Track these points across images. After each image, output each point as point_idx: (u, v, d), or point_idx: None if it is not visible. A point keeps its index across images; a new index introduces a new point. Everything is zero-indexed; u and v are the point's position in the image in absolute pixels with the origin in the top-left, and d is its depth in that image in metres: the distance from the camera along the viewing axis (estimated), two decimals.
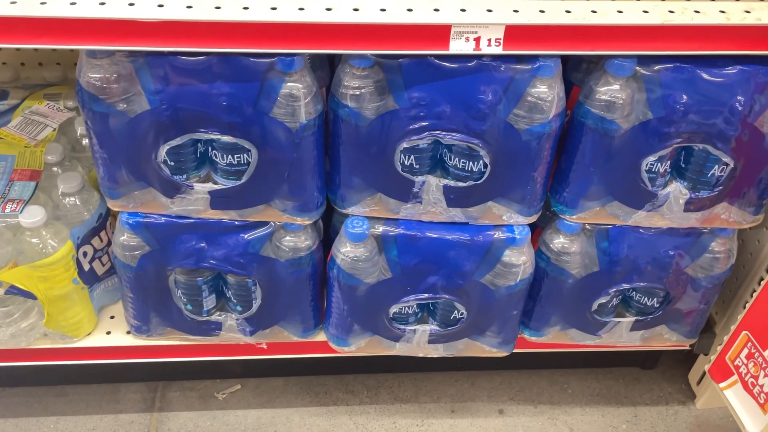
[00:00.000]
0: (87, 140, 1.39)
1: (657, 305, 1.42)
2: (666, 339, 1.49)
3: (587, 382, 1.69)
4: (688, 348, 1.55)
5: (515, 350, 1.47)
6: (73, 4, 0.97)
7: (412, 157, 1.17)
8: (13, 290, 1.26)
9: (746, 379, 1.38)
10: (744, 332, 1.38)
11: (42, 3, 0.97)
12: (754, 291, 1.41)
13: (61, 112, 1.43)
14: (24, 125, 1.38)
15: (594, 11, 1.04)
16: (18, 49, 1.62)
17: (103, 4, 0.98)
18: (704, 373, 1.55)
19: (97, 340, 1.42)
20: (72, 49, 1.00)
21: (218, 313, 1.39)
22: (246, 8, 1.00)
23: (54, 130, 1.38)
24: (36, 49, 1.63)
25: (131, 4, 0.98)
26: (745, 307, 1.39)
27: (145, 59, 1.05)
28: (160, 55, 1.04)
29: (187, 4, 1.00)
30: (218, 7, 0.99)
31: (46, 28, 0.97)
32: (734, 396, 1.41)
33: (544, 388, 1.68)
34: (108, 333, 1.43)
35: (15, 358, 1.40)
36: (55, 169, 1.32)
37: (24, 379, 1.57)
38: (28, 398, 1.58)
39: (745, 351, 1.37)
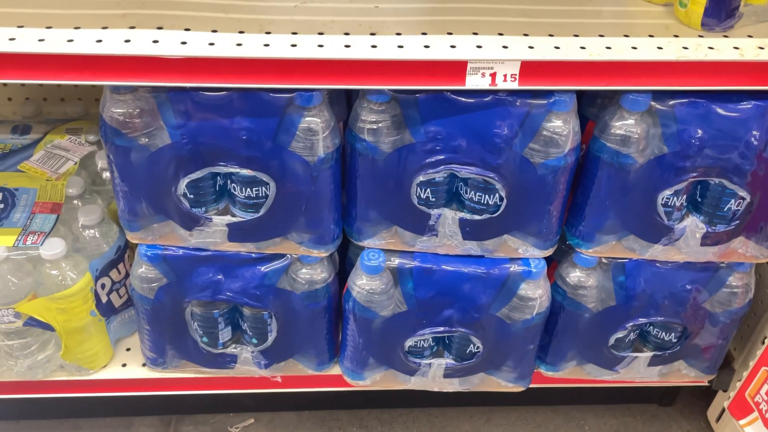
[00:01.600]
0: (107, 174, 1.42)
1: (675, 340, 1.41)
2: (684, 375, 1.48)
3: (604, 419, 1.67)
4: (706, 384, 1.53)
5: (531, 385, 1.46)
6: (99, 41, 1.00)
7: (428, 190, 1.18)
8: (32, 322, 1.27)
9: (767, 416, 1.35)
10: (763, 368, 1.36)
11: (69, 41, 1.00)
12: None
13: (82, 146, 1.45)
14: (46, 159, 1.41)
15: (608, 47, 1.06)
16: (41, 85, 1.66)
17: (128, 41, 1.00)
18: (723, 410, 1.53)
19: (113, 372, 1.42)
20: (95, 85, 1.02)
21: (233, 345, 1.39)
22: (266, 45, 1.02)
23: (75, 163, 1.41)
24: (59, 85, 1.66)
25: (155, 41, 1.01)
26: (764, 343, 1.38)
27: (167, 95, 1.07)
28: (182, 90, 1.06)
29: (210, 41, 1.02)
30: (239, 44, 1.02)
31: (73, 65, 0.99)
32: None
33: (560, 425, 1.65)
34: (123, 365, 1.44)
35: (30, 390, 1.40)
36: (75, 201, 1.34)
37: (38, 411, 1.57)
38: (42, 431, 1.57)
39: (765, 387, 1.35)
